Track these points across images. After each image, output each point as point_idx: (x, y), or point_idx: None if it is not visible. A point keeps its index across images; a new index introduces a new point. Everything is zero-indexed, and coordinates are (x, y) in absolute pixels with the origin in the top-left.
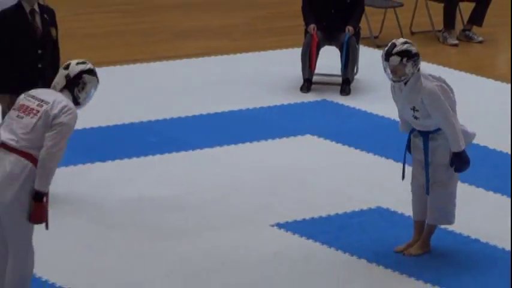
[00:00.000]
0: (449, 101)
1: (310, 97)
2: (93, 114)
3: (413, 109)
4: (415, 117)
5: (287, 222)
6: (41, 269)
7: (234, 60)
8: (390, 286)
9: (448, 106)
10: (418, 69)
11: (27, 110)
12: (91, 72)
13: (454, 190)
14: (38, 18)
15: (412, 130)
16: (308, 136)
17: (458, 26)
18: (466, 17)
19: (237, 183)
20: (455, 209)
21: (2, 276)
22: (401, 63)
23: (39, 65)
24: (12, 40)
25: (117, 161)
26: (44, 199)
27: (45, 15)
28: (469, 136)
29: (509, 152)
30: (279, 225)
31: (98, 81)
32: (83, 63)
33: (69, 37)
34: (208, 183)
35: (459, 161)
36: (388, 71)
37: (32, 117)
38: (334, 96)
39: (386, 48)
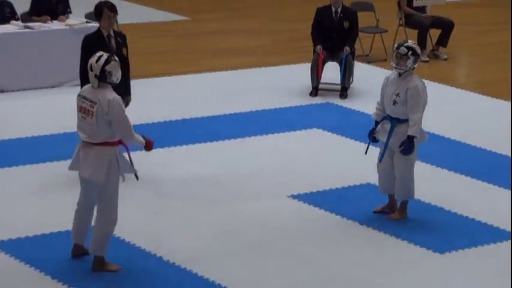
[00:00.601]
0: (424, 99)
1: (317, 100)
2: (154, 113)
3: (397, 95)
4: (394, 102)
5: (299, 194)
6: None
7: (261, 72)
8: (376, 242)
9: (424, 103)
10: (414, 68)
11: (85, 111)
12: (108, 61)
13: (412, 172)
14: (113, 41)
15: (383, 119)
16: (315, 129)
17: (429, 47)
18: (434, 40)
19: (262, 164)
20: (414, 185)
21: (85, 229)
22: (407, 55)
23: None
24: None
25: (172, 148)
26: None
27: (119, 39)
28: (423, 135)
29: (466, 142)
30: (293, 196)
31: (116, 60)
32: (99, 58)
33: (136, 55)
34: (240, 164)
35: (408, 145)
36: (395, 59)
37: (91, 118)
38: (335, 99)
39: (400, 42)
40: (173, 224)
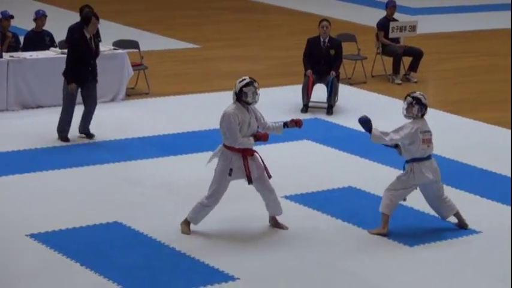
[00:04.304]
0: (406, 134)
1: (307, 116)
2: (167, 125)
3: None
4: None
5: (291, 195)
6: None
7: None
8: (355, 236)
9: (405, 134)
10: (422, 116)
11: None
12: (247, 84)
13: (395, 193)
14: (92, 41)
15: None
16: (305, 141)
17: (402, 72)
18: (406, 66)
19: None
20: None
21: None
22: (412, 104)
23: (90, 68)
24: (78, 53)
25: (184, 155)
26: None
27: (97, 39)
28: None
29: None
30: (286, 197)
31: (253, 85)
32: (242, 81)
33: (155, 77)
34: None
35: (362, 124)
36: (404, 107)
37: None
38: (323, 115)
39: (409, 92)
40: (224, 220)
